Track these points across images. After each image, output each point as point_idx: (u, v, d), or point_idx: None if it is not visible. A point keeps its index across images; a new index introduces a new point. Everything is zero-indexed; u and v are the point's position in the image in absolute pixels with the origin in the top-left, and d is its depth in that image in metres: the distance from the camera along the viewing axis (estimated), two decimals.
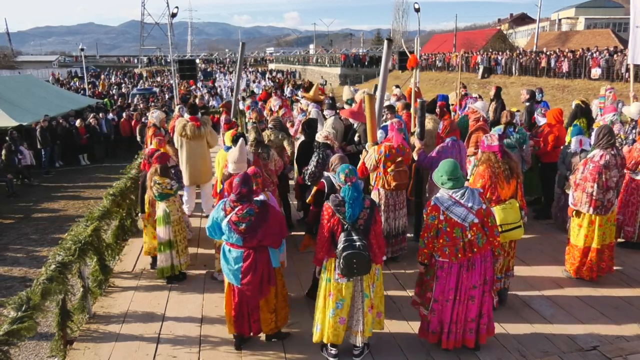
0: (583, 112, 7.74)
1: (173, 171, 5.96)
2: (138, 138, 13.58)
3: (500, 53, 34.45)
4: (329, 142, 5.96)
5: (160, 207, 5.67)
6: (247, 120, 10.55)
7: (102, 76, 50.62)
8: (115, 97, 29.51)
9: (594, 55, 24.98)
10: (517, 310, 4.89)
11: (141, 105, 22.28)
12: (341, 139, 7.65)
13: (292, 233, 7.00)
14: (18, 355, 5.61)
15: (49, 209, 11.99)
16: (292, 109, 11.14)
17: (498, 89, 9.99)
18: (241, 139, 5.41)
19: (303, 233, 5.78)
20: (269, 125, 7.42)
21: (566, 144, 7.22)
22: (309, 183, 5.97)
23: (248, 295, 4.18)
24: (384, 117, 7.11)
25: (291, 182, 7.88)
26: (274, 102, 10.67)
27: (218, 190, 5.59)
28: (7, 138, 14.10)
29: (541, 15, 39.54)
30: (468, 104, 8.28)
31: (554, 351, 4.27)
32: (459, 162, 5.91)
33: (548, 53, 29.26)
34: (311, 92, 10.16)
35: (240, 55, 8.73)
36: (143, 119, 16.76)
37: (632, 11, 8.06)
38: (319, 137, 6.00)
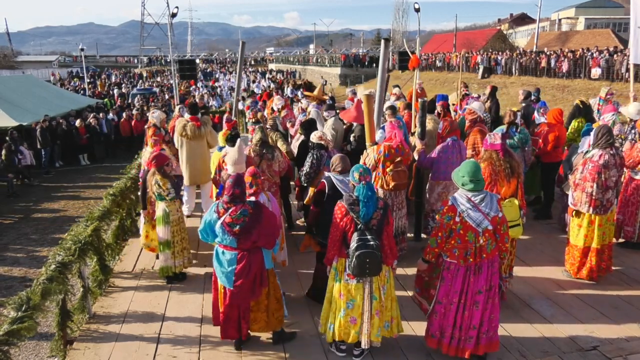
0: (581, 111, 7.74)
1: (175, 180, 5.93)
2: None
3: (500, 53, 34.45)
4: (322, 142, 5.97)
5: (160, 207, 5.67)
6: (247, 120, 10.56)
7: (104, 75, 50.66)
8: (116, 97, 29.51)
9: (594, 55, 24.98)
10: (517, 310, 4.89)
11: (145, 107, 22.22)
12: (341, 140, 7.66)
13: (292, 233, 7.01)
14: (18, 355, 5.61)
15: (49, 209, 11.99)
16: (292, 109, 11.14)
17: (493, 89, 10.02)
18: (239, 140, 5.41)
19: (303, 233, 5.78)
20: (266, 126, 7.43)
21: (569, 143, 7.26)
22: (305, 184, 5.99)
23: (239, 297, 4.13)
24: (385, 118, 7.11)
25: (291, 183, 7.88)
26: (276, 101, 10.67)
27: (214, 195, 5.58)
28: (7, 138, 14.10)
29: (541, 15, 39.53)
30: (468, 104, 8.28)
31: (554, 351, 4.27)
32: (460, 162, 5.93)
33: (548, 53, 29.26)
34: (315, 92, 10.17)
35: (241, 55, 8.72)
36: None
37: (633, 11, 8.06)
38: (313, 137, 6.02)
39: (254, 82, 39.73)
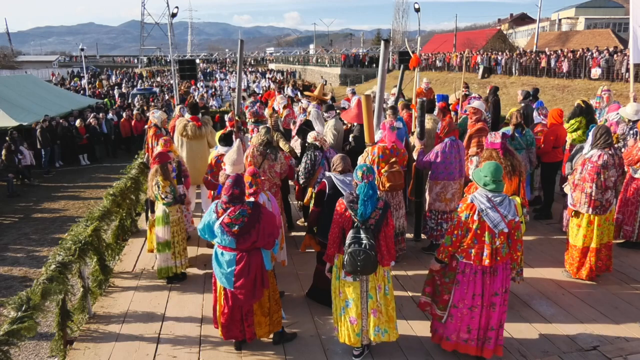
0: (583, 111, 7.74)
1: (181, 192, 5.88)
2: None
3: (500, 53, 34.44)
4: (317, 142, 5.97)
5: (160, 207, 5.67)
6: (246, 119, 10.55)
7: (104, 75, 50.69)
8: (116, 97, 29.52)
9: (594, 55, 24.97)
10: (517, 310, 4.89)
11: (145, 107, 22.21)
12: (342, 140, 7.66)
13: (293, 233, 7.01)
14: (18, 355, 5.60)
15: (49, 209, 11.99)
16: (294, 109, 11.14)
17: (493, 89, 10.04)
18: (237, 140, 5.41)
19: (303, 233, 5.79)
20: (267, 125, 7.43)
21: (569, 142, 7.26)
22: (302, 185, 6.00)
23: (241, 299, 4.13)
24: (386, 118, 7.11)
25: (291, 183, 7.88)
26: (279, 100, 10.67)
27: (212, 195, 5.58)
28: (7, 138, 14.10)
29: (541, 15, 39.51)
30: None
31: (554, 351, 4.27)
32: (458, 162, 5.94)
33: (548, 53, 29.25)
34: (316, 92, 10.17)
35: (240, 54, 8.70)
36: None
37: (632, 11, 8.07)
38: (309, 138, 6.02)
39: (254, 82, 39.75)
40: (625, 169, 6.02)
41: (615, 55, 23.45)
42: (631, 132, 7.01)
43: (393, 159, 5.58)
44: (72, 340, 4.66)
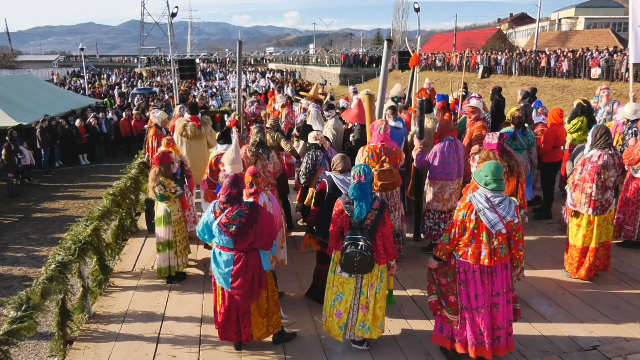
0: (585, 111, 7.74)
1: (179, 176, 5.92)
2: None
3: (500, 53, 34.44)
4: (318, 142, 5.96)
5: (161, 208, 5.67)
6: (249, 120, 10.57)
7: (104, 75, 50.70)
8: (116, 97, 29.51)
9: (594, 55, 24.98)
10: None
11: (145, 107, 22.17)
12: (342, 140, 7.66)
13: (293, 233, 7.01)
14: (18, 355, 5.60)
15: (49, 209, 11.99)
16: (294, 109, 11.15)
17: (496, 89, 10.03)
18: (235, 140, 5.40)
19: (304, 233, 5.78)
20: (267, 126, 7.44)
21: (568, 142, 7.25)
22: (303, 185, 5.98)
23: (238, 300, 4.12)
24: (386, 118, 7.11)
25: (291, 183, 7.89)
26: (278, 100, 10.69)
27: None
28: (7, 138, 14.10)
29: (541, 15, 39.49)
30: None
31: (554, 351, 4.27)
32: (457, 162, 5.92)
33: (548, 53, 29.25)
34: (311, 92, 10.17)
35: (239, 54, 8.70)
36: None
37: (632, 11, 8.06)
38: (310, 138, 6.01)
39: (253, 82, 39.75)
40: (626, 169, 6.02)
41: (615, 55, 23.45)
42: (630, 132, 7.01)
43: (384, 158, 5.52)
44: (72, 340, 4.66)
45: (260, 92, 25.25)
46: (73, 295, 4.89)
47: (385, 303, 4.22)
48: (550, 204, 7.45)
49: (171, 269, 5.72)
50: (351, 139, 7.25)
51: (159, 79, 48.09)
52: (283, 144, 7.02)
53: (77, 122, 17.08)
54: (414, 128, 6.72)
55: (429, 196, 6.13)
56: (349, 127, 8.02)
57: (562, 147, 7.47)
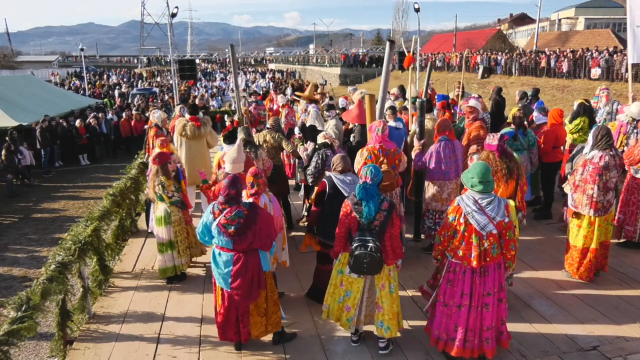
0: (586, 110, 7.75)
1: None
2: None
3: (500, 53, 34.45)
4: (328, 141, 5.95)
5: (161, 208, 5.67)
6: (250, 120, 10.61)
7: (105, 76, 50.69)
8: (116, 97, 29.50)
9: (594, 55, 25.00)
10: (517, 310, 4.88)
11: (145, 107, 22.15)
12: (342, 140, 7.66)
13: (293, 233, 7.01)
14: (18, 355, 5.60)
15: (49, 209, 11.98)
16: (293, 109, 11.15)
17: (497, 89, 10.03)
18: (239, 139, 5.40)
19: (303, 233, 5.78)
20: (267, 126, 7.43)
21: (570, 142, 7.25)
22: (310, 184, 5.96)
23: (237, 300, 4.12)
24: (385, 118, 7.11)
25: (291, 183, 7.89)
26: (278, 100, 10.70)
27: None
28: (7, 138, 14.10)
29: (541, 15, 39.53)
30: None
31: (554, 351, 4.27)
32: (454, 162, 5.92)
33: (548, 53, 29.26)
34: (306, 92, 10.17)
35: (233, 57, 8.72)
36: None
37: (629, 11, 8.07)
38: (319, 138, 5.99)
39: (253, 82, 39.75)
40: (626, 169, 6.02)
41: (615, 55, 23.48)
42: (635, 130, 6.99)
43: (381, 159, 5.51)
44: (72, 340, 4.66)
45: (260, 92, 25.25)
46: (73, 296, 4.88)
47: (399, 301, 4.24)
48: (550, 204, 7.45)
49: (176, 268, 5.73)
50: (351, 139, 7.25)
51: (158, 79, 48.07)
52: (284, 144, 7.02)
53: (77, 122, 17.07)
54: (413, 127, 6.72)
55: (427, 196, 6.13)
56: (349, 127, 8.02)
57: (562, 147, 7.47)
